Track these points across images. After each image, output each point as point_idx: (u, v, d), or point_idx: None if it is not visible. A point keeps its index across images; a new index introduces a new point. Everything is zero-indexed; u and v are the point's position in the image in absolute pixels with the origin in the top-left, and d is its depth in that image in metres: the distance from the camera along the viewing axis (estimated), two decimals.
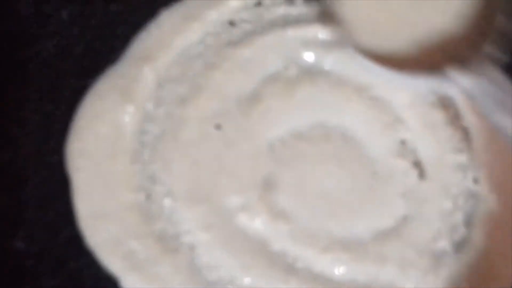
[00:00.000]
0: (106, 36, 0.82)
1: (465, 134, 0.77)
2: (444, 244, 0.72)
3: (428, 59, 0.75)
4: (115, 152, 0.76)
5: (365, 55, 0.76)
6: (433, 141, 0.77)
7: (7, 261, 0.73)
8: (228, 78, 0.79)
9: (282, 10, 0.83)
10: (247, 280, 0.71)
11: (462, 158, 0.76)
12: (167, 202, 0.74)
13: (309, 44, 0.81)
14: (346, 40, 0.78)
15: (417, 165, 0.76)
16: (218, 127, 0.77)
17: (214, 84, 0.79)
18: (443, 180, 0.75)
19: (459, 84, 0.72)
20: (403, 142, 0.77)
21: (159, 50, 0.81)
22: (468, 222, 0.73)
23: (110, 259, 0.72)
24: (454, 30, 0.76)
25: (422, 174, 0.76)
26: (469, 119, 0.77)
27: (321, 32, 0.81)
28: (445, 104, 0.78)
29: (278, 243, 0.72)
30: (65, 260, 0.73)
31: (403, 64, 0.76)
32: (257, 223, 0.73)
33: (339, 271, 0.71)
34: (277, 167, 0.76)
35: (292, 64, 0.80)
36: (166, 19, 0.82)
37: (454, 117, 0.78)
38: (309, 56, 0.81)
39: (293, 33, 0.81)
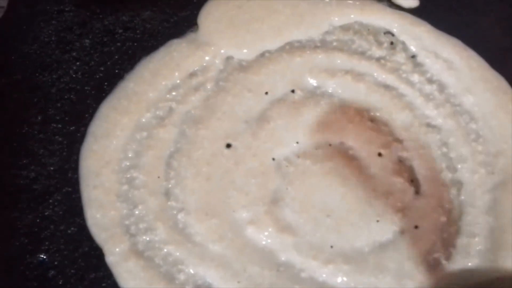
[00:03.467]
0: (125, 62, 0.84)
1: (458, 153, 0.80)
2: (439, 255, 0.75)
3: None
4: (127, 168, 0.79)
5: None
6: (428, 160, 0.79)
7: (30, 273, 0.75)
8: (238, 100, 0.81)
9: None
10: None
11: (456, 175, 0.79)
12: (180, 215, 0.76)
13: (314, 69, 0.83)
14: None
15: (414, 182, 0.78)
16: (228, 146, 0.79)
17: (225, 106, 0.81)
18: (438, 196, 0.78)
19: None
20: (400, 161, 0.79)
21: (169, 72, 0.83)
22: (463, 235, 0.76)
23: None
24: None
25: (418, 190, 0.78)
26: None
27: (325, 58, 0.84)
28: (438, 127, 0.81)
29: (284, 254, 0.74)
30: (85, 272, 0.75)
31: None
32: (264, 236, 0.75)
33: (341, 281, 0.73)
34: (284, 183, 0.78)
35: (298, 88, 0.83)
36: (177, 45, 0.85)
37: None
38: (313, 80, 0.83)
39: (299, 59, 0.84)
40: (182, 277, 0.74)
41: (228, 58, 0.84)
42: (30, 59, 0.84)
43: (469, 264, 0.75)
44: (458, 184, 0.79)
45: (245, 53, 0.84)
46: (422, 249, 0.75)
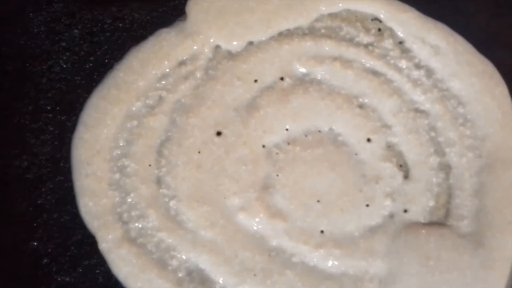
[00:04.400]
0: (114, 51, 0.84)
1: (446, 137, 0.81)
2: None
3: None
4: (118, 157, 0.79)
5: None
6: (417, 145, 0.80)
7: (24, 260, 0.76)
8: (228, 88, 0.82)
9: None
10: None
11: (444, 159, 0.80)
12: (172, 203, 0.77)
13: (302, 57, 0.84)
14: None
15: (403, 167, 0.79)
16: (219, 134, 0.80)
17: (214, 94, 0.81)
18: (427, 180, 0.79)
19: None
20: (389, 146, 0.80)
21: (159, 61, 0.83)
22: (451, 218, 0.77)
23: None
24: None
25: (407, 175, 0.79)
26: None
27: (313, 46, 0.84)
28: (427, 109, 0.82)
29: (275, 239, 0.75)
30: (78, 259, 0.76)
31: None
32: (255, 222, 0.76)
33: (331, 264, 0.75)
34: (274, 170, 0.78)
35: (287, 75, 0.83)
36: (166, 35, 0.85)
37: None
38: (302, 68, 0.83)
39: (287, 47, 0.84)
40: (174, 263, 0.75)
41: (217, 47, 0.85)
42: (20, 50, 0.84)
43: None
44: (447, 168, 0.79)
45: (234, 45, 0.84)
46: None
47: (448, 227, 0.76)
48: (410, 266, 0.74)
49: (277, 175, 0.78)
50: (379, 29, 0.86)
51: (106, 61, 0.84)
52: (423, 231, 0.76)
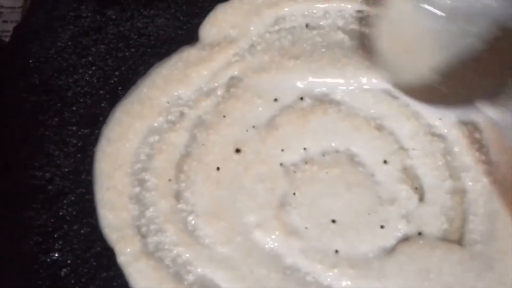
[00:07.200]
0: (138, 67, 0.86)
1: (462, 162, 0.81)
2: None
3: (459, 92, 0.80)
4: (139, 171, 0.80)
5: (398, 87, 0.80)
6: (433, 168, 0.81)
7: (44, 271, 0.76)
8: (248, 107, 0.83)
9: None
10: None
11: (460, 183, 0.80)
12: (190, 218, 0.78)
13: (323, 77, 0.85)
14: (381, 74, 0.82)
15: (418, 190, 0.80)
16: (238, 151, 0.81)
17: (235, 112, 0.82)
18: (441, 204, 0.79)
19: (487, 116, 0.77)
20: (405, 169, 0.81)
21: (182, 77, 0.84)
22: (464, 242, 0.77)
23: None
24: (482, 66, 0.80)
25: (422, 198, 0.79)
26: (494, 150, 0.81)
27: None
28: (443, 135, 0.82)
29: (291, 258, 0.76)
30: (97, 271, 0.76)
31: (434, 97, 0.80)
32: (271, 239, 0.77)
33: (345, 285, 0.75)
34: (291, 188, 0.79)
35: (307, 95, 0.84)
36: (188, 52, 0.86)
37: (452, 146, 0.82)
38: (322, 88, 0.84)
39: (308, 65, 0.85)
40: (190, 278, 0.75)
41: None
42: (47, 63, 0.85)
43: None
44: (461, 193, 0.80)
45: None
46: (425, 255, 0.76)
47: (459, 245, 0.77)
48: (410, 282, 0.75)
49: (294, 194, 0.79)
50: None
51: (130, 76, 0.85)
52: (429, 243, 0.76)
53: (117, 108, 0.83)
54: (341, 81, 0.84)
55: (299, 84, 0.84)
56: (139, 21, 0.88)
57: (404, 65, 0.83)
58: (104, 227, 0.78)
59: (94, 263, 0.77)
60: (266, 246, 0.77)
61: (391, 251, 0.77)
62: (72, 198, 0.79)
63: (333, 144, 0.82)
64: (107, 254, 0.77)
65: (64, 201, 0.79)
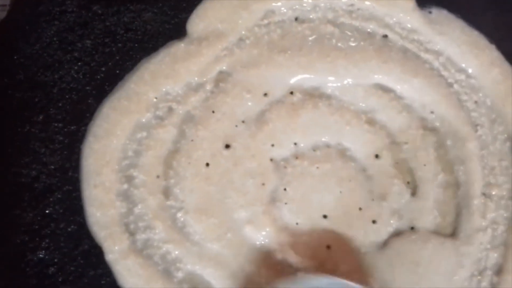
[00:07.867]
0: (125, 62, 0.84)
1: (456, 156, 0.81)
2: None
3: None
4: (127, 168, 0.79)
5: None
6: (425, 162, 0.80)
7: (30, 270, 0.76)
8: (237, 101, 0.82)
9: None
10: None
11: (452, 177, 0.80)
12: (179, 215, 0.77)
13: (312, 71, 0.83)
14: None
15: (410, 184, 0.79)
16: (227, 146, 0.80)
17: (224, 107, 0.81)
18: (434, 198, 0.79)
19: None
20: (397, 163, 0.80)
21: (169, 72, 0.83)
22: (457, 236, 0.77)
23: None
24: None
25: (414, 192, 0.79)
26: None
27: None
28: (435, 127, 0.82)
29: (281, 253, 0.75)
30: (85, 269, 0.76)
31: None
32: (262, 235, 0.76)
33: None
34: (281, 184, 0.79)
35: (297, 90, 0.83)
36: (175, 47, 0.84)
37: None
38: (312, 83, 0.83)
39: (297, 59, 0.83)
40: (180, 275, 0.75)
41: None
42: (32, 59, 0.84)
43: None
44: (454, 186, 0.80)
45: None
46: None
47: (453, 239, 0.77)
48: (400, 276, 0.74)
49: (285, 189, 0.79)
50: None
51: (117, 72, 0.84)
52: (422, 238, 0.76)
53: (104, 104, 0.82)
54: (331, 75, 0.83)
55: (289, 79, 0.83)
56: (126, 16, 0.87)
57: None
58: (92, 225, 0.77)
59: (82, 261, 0.76)
60: (257, 242, 0.76)
61: (383, 246, 0.76)
62: (59, 196, 0.79)
63: (324, 139, 0.81)
64: (95, 252, 0.76)
65: (51, 199, 0.79)
